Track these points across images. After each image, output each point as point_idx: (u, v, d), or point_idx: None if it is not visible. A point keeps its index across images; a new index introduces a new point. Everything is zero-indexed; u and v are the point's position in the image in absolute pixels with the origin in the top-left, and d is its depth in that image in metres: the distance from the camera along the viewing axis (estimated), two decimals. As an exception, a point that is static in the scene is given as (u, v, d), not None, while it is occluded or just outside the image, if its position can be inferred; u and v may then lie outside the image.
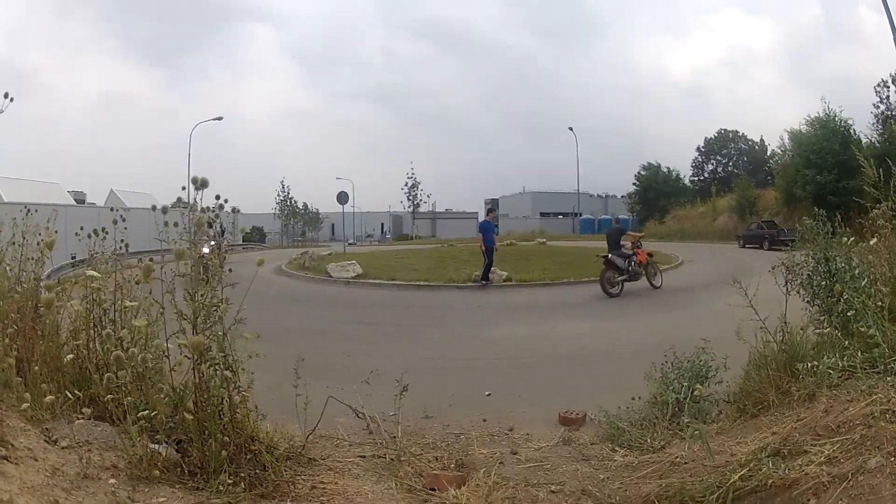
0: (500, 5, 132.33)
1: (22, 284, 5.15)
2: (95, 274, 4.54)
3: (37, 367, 4.15)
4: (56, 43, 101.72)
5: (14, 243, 5.53)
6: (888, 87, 45.68)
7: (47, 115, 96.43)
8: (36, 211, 6.43)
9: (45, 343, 4.59)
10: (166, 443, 3.80)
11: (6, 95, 4.28)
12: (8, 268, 5.41)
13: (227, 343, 3.90)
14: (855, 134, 43.22)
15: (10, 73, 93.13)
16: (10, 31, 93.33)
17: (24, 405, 3.61)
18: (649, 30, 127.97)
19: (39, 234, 5.60)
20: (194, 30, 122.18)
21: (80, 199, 54.04)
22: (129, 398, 3.69)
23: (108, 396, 3.66)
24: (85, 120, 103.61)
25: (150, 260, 4.07)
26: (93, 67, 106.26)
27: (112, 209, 5.73)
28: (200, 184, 3.95)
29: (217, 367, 3.85)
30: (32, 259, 5.44)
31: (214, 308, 3.84)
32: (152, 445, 3.70)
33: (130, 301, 4.70)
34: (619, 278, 17.44)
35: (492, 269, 20.77)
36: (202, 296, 3.83)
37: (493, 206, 23.92)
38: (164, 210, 4.12)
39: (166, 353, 4.04)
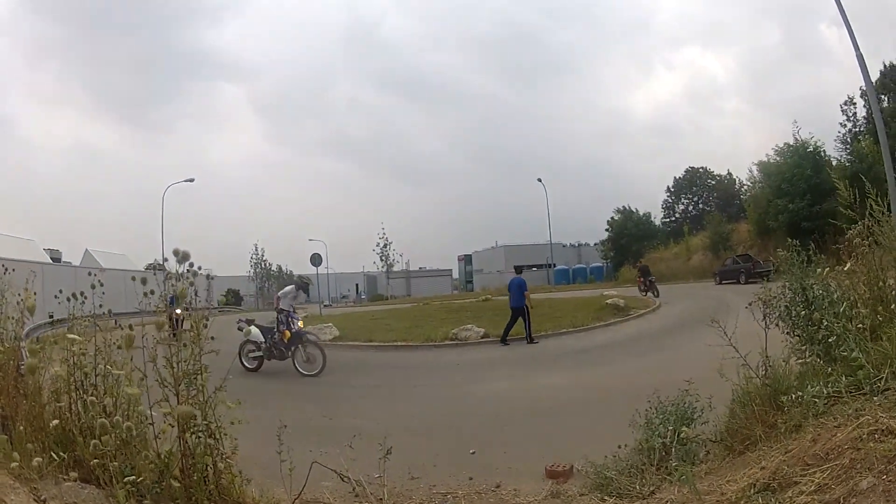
0: (466, 51, 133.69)
1: (3, 343, 5.12)
2: (76, 337, 4.53)
3: (21, 427, 4.17)
4: (28, 94, 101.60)
5: None
6: (854, 103, 46.59)
7: (21, 168, 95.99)
8: (13, 270, 6.42)
9: (28, 403, 4.62)
10: None
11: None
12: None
13: (210, 410, 3.93)
14: (825, 155, 44.15)
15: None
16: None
17: (14, 464, 3.61)
18: (613, 70, 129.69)
19: (19, 294, 5.59)
20: (163, 86, 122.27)
21: (55, 257, 53.77)
22: (114, 463, 3.67)
23: (94, 461, 3.68)
24: (57, 174, 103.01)
25: (130, 327, 4.11)
26: (64, 121, 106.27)
27: (90, 273, 5.80)
28: (182, 257, 4.11)
29: (201, 434, 3.88)
30: (13, 318, 5.43)
31: (196, 376, 3.91)
32: None
33: (116, 369, 4.60)
34: None
35: (511, 327, 19.93)
36: (184, 363, 3.90)
37: (521, 266, 23.39)
38: (144, 281, 4.21)
39: (150, 421, 4.04)
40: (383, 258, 75.01)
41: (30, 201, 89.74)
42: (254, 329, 15.47)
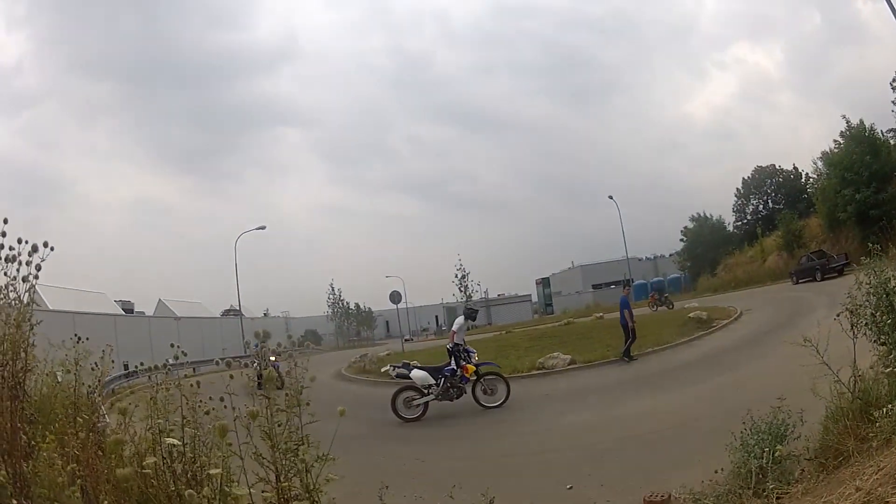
0: (518, 79, 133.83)
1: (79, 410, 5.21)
2: (175, 441, 4.55)
3: (106, 503, 4.13)
4: (84, 153, 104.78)
5: (69, 371, 5.67)
6: None
7: (85, 225, 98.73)
8: (87, 339, 6.55)
9: (105, 461, 4.51)
10: None
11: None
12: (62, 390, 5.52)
13: (312, 481, 3.94)
14: (883, 136, 42.84)
15: (44, 182, 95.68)
16: (39, 140, 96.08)
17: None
18: (664, 80, 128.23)
19: (94, 364, 5.73)
20: (224, 137, 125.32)
21: (127, 308, 54.53)
22: None
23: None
24: (123, 230, 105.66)
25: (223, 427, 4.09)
26: (123, 177, 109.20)
27: (176, 319, 5.86)
28: (263, 336, 4.20)
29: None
30: (87, 385, 5.55)
31: (296, 448, 3.93)
32: None
33: (214, 469, 4.67)
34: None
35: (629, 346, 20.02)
36: (281, 434, 3.91)
37: (627, 281, 23.14)
38: (267, 335, 4.33)
39: (252, 502, 4.04)
40: (462, 289, 75.04)
41: (98, 258, 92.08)
42: (420, 373, 15.05)
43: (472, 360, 15.29)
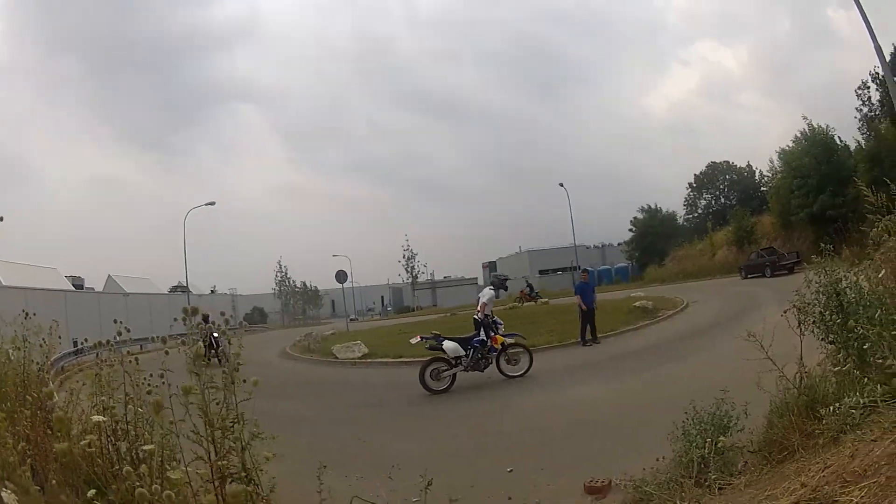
0: (480, 67, 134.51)
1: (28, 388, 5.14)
2: (100, 418, 4.45)
3: (55, 481, 4.06)
4: (46, 129, 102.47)
5: (18, 348, 5.56)
6: (868, 87, 46.17)
7: (41, 201, 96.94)
8: (34, 314, 6.45)
9: (54, 440, 4.46)
10: None
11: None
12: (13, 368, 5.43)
13: (249, 456, 3.91)
14: (841, 141, 43.52)
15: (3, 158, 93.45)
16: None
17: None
18: (628, 74, 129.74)
19: (42, 340, 5.65)
20: (181, 113, 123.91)
21: (77, 283, 54.74)
22: None
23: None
24: (78, 205, 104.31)
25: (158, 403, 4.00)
26: (82, 152, 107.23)
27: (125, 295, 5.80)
28: (192, 312, 4.12)
29: (240, 483, 3.81)
30: (36, 363, 5.46)
31: (231, 425, 3.87)
32: None
33: (147, 445, 4.58)
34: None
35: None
36: (219, 410, 3.86)
37: (585, 268, 23.53)
38: (195, 311, 4.23)
39: (188, 481, 3.94)
40: (408, 270, 75.10)
41: (52, 233, 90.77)
42: (452, 344, 14.97)
43: (500, 332, 15.37)
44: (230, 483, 3.81)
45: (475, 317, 15.87)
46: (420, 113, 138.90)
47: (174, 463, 4.04)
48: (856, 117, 46.85)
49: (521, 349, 15.60)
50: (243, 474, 3.88)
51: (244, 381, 4.05)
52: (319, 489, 4.55)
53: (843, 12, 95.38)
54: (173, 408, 3.90)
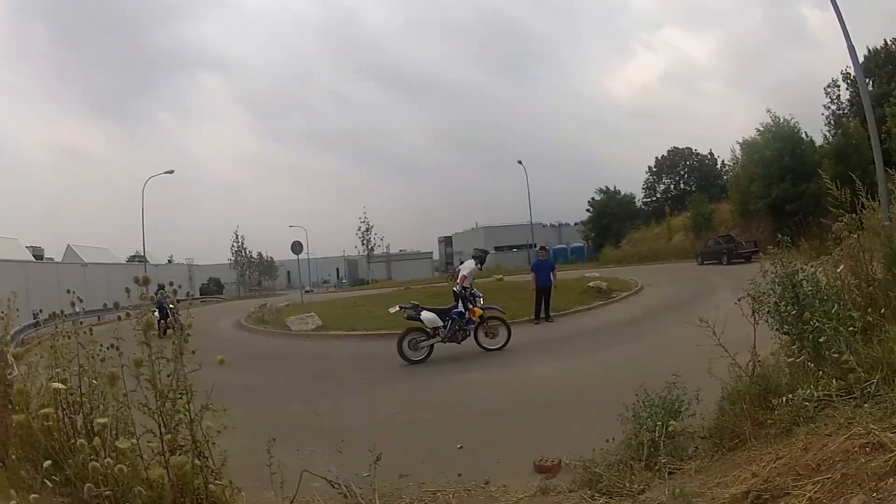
0: (445, 42, 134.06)
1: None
2: (60, 386, 4.35)
3: (14, 456, 4.09)
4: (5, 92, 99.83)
5: None
6: (838, 86, 47.38)
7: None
8: None
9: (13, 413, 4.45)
10: None
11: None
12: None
13: (198, 427, 3.84)
14: (807, 137, 44.08)
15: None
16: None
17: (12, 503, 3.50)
18: (593, 54, 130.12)
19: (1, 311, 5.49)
20: (145, 80, 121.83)
21: (38, 254, 54.30)
22: (108, 491, 3.56)
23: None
24: (37, 172, 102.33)
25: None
26: (43, 118, 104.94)
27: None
28: (143, 282, 4.02)
29: (189, 455, 3.79)
30: None
31: (181, 396, 3.81)
32: None
33: (101, 418, 4.47)
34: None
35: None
36: (168, 380, 3.79)
37: (543, 246, 23.70)
38: (146, 280, 4.12)
39: (139, 453, 3.89)
40: (364, 242, 74.85)
41: (10, 200, 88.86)
42: (430, 314, 15.03)
43: (479, 304, 15.45)
44: (179, 456, 3.75)
45: (454, 289, 15.94)
46: (384, 86, 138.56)
47: (128, 436, 3.97)
48: (823, 114, 48.22)
49: (500, 322, 15.69)
50: (193, 447, 3.80)
51: (193, 352, 3.96)
52: (269, 462, 4.50)
53: (818, 12, 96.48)
54: (125, 380, 3.84)
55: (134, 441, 3.78)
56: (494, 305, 16.23)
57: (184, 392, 3.81)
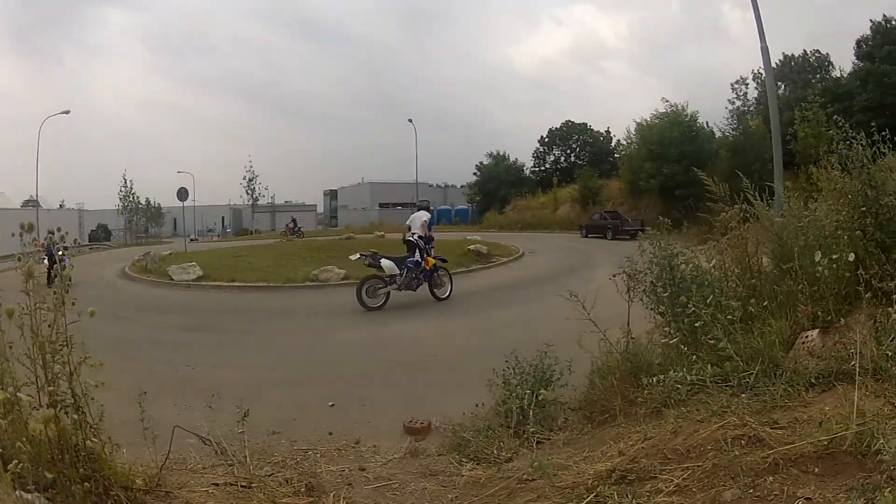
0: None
1: None
2: None
3: None
4: None
5: None
6: (747, 83, 49.64)
7: None
8: None
9: None
10: (38, 492, 3.47)
11: None
12: None
13: (77, 381, 3.68)
14: (707, 127, 45.70)
15: None
16: None
17: None
18: (499, 21, 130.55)
19: None
20: (55, 14, 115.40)
21: None
22: None
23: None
24: None
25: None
26: None
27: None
28: (28, 228, 3.81)
29: (68, 410, 3.63)
30: None
31: (61, 347, 3.64)
32: (26, 496, 3.37)
33: None
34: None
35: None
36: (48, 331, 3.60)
37: (427, 201, 23.98)
38: (30, 227, 3.90)
39: (18, 406, 3.64)
40: (249, 191, 73.62)
41: None
42: (389, 262, 15.33)
43: (431, 255, 16.13)
44: (59, 410, 3.56)
45: (409, 238, 16.25)
46: (285, 32, 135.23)
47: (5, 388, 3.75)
48: (727, 108, 50.24)
49: (444, 272, 16.63)
50: (74, 402, 3.64)
51: (73, 302, 3.76)
52: (142, 417, 4.34)
53: (739, 12, 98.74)
54: (8, 330, 3.57)
55: (11, 391, 3.57)
56: (441, 255, 16.99)
57: (64, 343, 3.63)
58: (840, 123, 5.45)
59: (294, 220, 51.48)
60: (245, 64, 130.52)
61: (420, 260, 15.70)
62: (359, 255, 15.82)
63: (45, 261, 16.58)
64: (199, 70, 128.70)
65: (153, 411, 4.50)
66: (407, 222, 17.28)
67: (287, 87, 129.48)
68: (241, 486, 4.35)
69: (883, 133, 5.49)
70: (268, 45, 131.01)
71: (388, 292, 15.25)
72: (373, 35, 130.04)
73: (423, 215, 16.71)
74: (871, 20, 40.56)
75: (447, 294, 16.23)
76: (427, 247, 15.95)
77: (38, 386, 3.55)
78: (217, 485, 4.41)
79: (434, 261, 16.08)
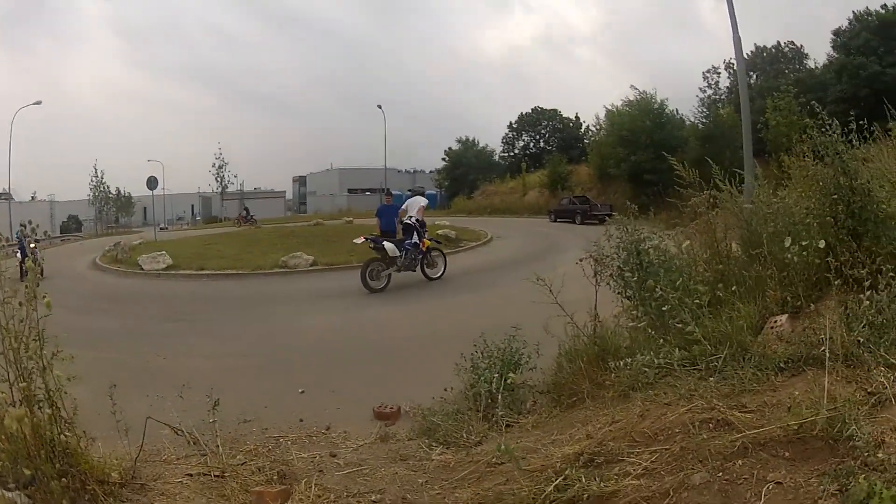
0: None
1: None
2: None
3: None
4: None
5: None
6: (719, 73, 49.83)
7: None
8: None
9: None
10: (18, 490, 3.49)
11: None
12: None
13: (50, 376, 3.65)
14: (678, 114, 45.87)
15: None
16: None
17: None
18: (469, 7, 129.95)
19: None
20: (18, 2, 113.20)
21: None
22: None
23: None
24: None
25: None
26: None
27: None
28: None
29: (42, 406, 3.63)
30: None
31: (34, 342, 3.61)
32: (8, 494, 3.41)
33: None
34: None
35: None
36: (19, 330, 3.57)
37: (391, 190, 24.49)
38: None
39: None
40: (218, 179, 73.08)
41: None
42: (391, 245, 15.77)
43: (426, 237, 16.77)
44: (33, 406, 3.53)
45: (407, 221, 16.57)
46: (256, 20, 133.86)
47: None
48: (698, 96, 50.30)
49: (439, 253, 17.37)
50: (47, 396, 3.62)
51: (44, 296, 3.72)
52: (113, 410, 4.34)
53: (712, 2, 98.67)
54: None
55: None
56: (433, 237, 17.70)
57: (36, 338, 3.60)
58: (817, 109, 5.46)
59: (246, 209, 53.77)
60: (215, 53, 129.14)
61: (418, 241, 16.15)
62: (363, 239, 16.16)
63: (18, 254, 16.55)
64: (170, 58, 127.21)
65: (125, 403, 4.49)
66: (403, 206, 17.44)
67: (257, 74, 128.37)
68: (215, 476, 4.34)
69: (860, 122, 5.52)
70: (238, 33, 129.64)
71: (390, 274, 15.68)
72: (343, 21, 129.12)
73: (421, 200, 17.40)
74: (853, 11, 40.78)
75: (439, 274, 16.80)
76: (422, 230, 16.26)
77: (9, 382, 3.53)
78: (191, 475, 4.40)
79: (430, 243, 16.65)
